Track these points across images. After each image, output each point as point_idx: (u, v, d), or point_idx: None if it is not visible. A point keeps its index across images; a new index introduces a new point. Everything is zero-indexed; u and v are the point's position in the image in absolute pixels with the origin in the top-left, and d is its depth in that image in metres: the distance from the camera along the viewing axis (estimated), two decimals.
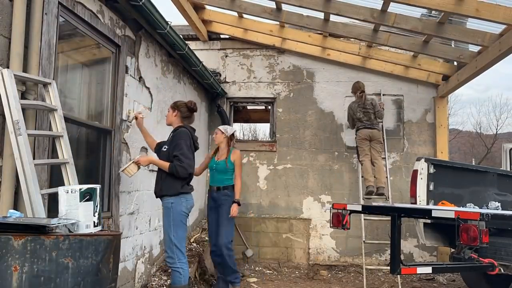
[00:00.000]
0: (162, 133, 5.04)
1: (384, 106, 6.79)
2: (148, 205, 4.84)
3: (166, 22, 4.51)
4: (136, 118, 4.22)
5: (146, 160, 3.94)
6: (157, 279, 4.87)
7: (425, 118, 7.15)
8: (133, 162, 3.90)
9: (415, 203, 5.17)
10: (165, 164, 3.85)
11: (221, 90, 7.15)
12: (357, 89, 6.56)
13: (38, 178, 2.60)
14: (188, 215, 3.98)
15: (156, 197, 4.03)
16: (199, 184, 6.69)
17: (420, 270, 3.73)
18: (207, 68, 6.36)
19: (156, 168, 5.03)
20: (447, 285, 6.11)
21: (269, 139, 7.70)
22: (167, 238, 3.86)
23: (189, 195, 3.96)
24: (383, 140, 6.62)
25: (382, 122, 6.83)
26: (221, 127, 5.31)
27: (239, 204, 5.08)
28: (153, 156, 4.11)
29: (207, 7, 6.80)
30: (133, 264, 4.46)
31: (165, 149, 3.95)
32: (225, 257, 4.86)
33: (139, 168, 3.96)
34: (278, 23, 6.76)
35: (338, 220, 4.28)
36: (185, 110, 4.09)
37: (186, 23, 6.76)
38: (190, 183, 4.02)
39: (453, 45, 6.04)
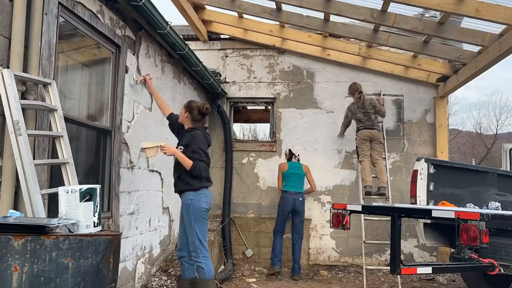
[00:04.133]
0: (162, 133, 5.05)
1: (384, 102, 6.78)
2: (148, 205, 4.84)
3: (166, 22, 4.51)
4: (145, 80, 4.26)
5: (171, 151, 3.90)
6: (157, 279, 4.87)
7: (425, 118, 7.15)
8: (157, 145, 3.87)
9: (415, 203, 5.17)
10: (188, 162, 3.86)
11: (221, 90, 7.15)
12: (355, 90, 6.54)
13: (38, 178, 2.60)
14: (208, 210, 4.03)
15: (175, 191, 4.09)
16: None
17: (420, 270, 3.73)
18: (207, 68, 6.37)
19: (156, 168, 5.05)
20: (447, 285, 6.11)
21: (269, 139, 7.70)
22: (190, 234, 3.91)
23: (207, 190, 4.03)
24: (384, 140, 6.62)
25: (382, 122, 6.83)
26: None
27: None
28: (180, 153, 3.96)
29: (207, 7, 6.80)
30: (133, 264, 4.46)
31: (181, 149, 3.98)
32: None
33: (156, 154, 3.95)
34: (278, 23, 6.76)
35: (338, 220, 4.28)
36: (196, 113, 4.10)
37: (186, 23, 6.76)
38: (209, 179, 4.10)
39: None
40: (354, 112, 6.53)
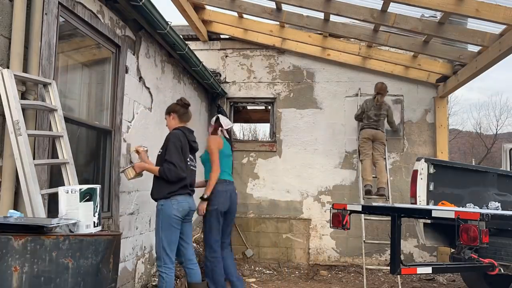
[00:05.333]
0: (163, 134, 5.04)
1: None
2: (148, 205, 4.84)
3: (166, 22, 4.51)
4: (138, 152, 4.09)
5: (139, 167, 3.91)
6: (157, 279, 4.86)
7: (425, 118, 7.15)
8: (131, 166, 3.91)
9: (415, 203, 5.17)
10: (155, 169, 3.81)
11: (221, 90, 7.15)
12: (375, 89, 6.56)
13: (38, 178, 2.60)
14: (182, 218, 3.83)
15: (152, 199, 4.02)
16: None
17: (420, 270, 3.73)
18: (207, 68, 6.37)
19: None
20: (447, 285, 6.11)
21: (269, 139, 7.70)
22: (156, 240, 3.82)
23: (181, 196, 3.81)
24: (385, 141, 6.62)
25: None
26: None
27: (205, 199, 4.35)
28: (151, 164, 4.00)
29: (207, 7, 6.80)
30: (133, 264, 4.46)
31: (159, 153, 3.93)
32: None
33: (138, 174, 3.93)
34: (278, 23, 6.76)
35: (338, 220, 4.28)
36: (179, 108, 4.07)
37: (186, 23, 6.76)
38: (188, 186, 3.91)
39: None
40: (369, 107, 6.51)
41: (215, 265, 4.34)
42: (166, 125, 4.20)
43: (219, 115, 4.83)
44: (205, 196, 4.33)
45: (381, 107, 6.47)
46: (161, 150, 3.93)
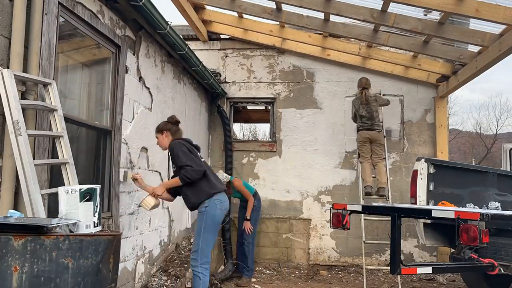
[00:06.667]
0: None
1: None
2: None
3: (166, 22, 4.51)
4: (135, 179, 4.09)
5: (160, 189, 3.95)
6: (157, 279, 4.87)
7: (425, 118, 7.15)
8: (149, 195, 3.95)
9: (415, 203, 5.17)
10: (176, 180, 3.85)
11: (221, 90, 7.15)
12: (359, 85, 6.55)
13: (38, 178, 2.60)
14: (221, 219, 3.92)
15: (193, 210, 4.01)
16: None
17: (420, 270, 3.73)
18: (207, 68, 6.37)
19: (156, 168, 5.05)
20: (447, 285, 6.11)
21: (269, 139, 7.70)
22: (195, 240, 3.85)
23: (222, 195, 3.91)
24: (384, 141, 6.61)
25: (382, 122, 6.79)
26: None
27: (248, 220, 6.16)
28: (164, 181, 4.06)
29: (207, 7, 6.80)
30: (133, 264, 4.46)
31: (174, 168, 3.97)
32: (246, 246, 6.18)
33: (157, 200, 3.96)
34: (278, 23, 6.76)
35: (338, 220, 4.28)
36: (171, 126, 4.12)
37: (186, 23, 6.76)
38: (219, 181, 3.99)
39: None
40: (357, 108, 6.48)
41: (250, 248, 6.18)
42: (157, 144, 4.22)
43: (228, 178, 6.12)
44: (248, 217, 6.11)
45: (368, 102, 6.38)
46: (173, 166, 3.98)
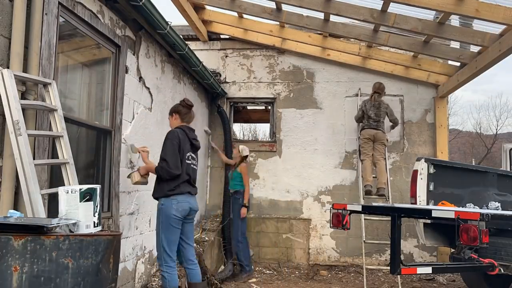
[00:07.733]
0: (163, 134, 5.03)
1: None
2: (148, 205, 4.84)
3: (166, 22, 4.51)
4: (142, 151, 4.18)
5: (143, 168, 4.04)
6: (157, 279, 4.87)
7: (425, 118, 7.15)
8: (136, 170, 4.05)
9: (415, 203, 5.17)
10: (153, 168, 3.86)
11: (221, 90, 7.15)
12: (373, 88, 6.59)
13: (38, 178, 2.60)
14: (182, 218, 3.81)
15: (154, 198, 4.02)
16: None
17: (420, 270, 3.73)
18: (207, 68, 6.37)
19: None
20: (447, 285, 6.11)
21: (269, 139, 7.70)
22: (156, 241, 3.82)
23: (182, 196, 3.80)
24: (386, 142, 6.62)
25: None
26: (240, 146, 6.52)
27: (245, 207, 6.23)
28: (151, 163, 4.06)
29: (207, 7, 6.80)
30: (133, 264, 4.46)
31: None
32: (235, 246, 6.28)
33: (142, 176, 4.00)
34: (278, 23, 6.77)
35: (338, 220, 4.28)
36: (181, 108, 4.07)
37: (186, 23, 6.76)
38: (189, 185, 3.89)
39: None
40: (368, 108, 6.52)
41: (244, 245, 6.28)
42: (170, 125, 4.23)
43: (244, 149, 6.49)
44: (247, 204, 6.26)
45: (380, 106, 6.48)
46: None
